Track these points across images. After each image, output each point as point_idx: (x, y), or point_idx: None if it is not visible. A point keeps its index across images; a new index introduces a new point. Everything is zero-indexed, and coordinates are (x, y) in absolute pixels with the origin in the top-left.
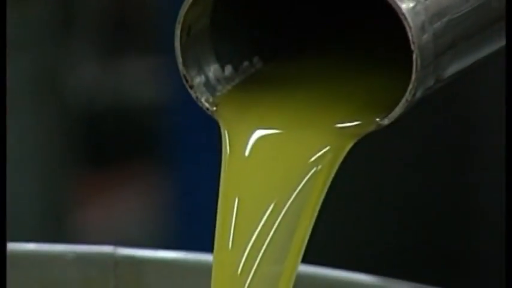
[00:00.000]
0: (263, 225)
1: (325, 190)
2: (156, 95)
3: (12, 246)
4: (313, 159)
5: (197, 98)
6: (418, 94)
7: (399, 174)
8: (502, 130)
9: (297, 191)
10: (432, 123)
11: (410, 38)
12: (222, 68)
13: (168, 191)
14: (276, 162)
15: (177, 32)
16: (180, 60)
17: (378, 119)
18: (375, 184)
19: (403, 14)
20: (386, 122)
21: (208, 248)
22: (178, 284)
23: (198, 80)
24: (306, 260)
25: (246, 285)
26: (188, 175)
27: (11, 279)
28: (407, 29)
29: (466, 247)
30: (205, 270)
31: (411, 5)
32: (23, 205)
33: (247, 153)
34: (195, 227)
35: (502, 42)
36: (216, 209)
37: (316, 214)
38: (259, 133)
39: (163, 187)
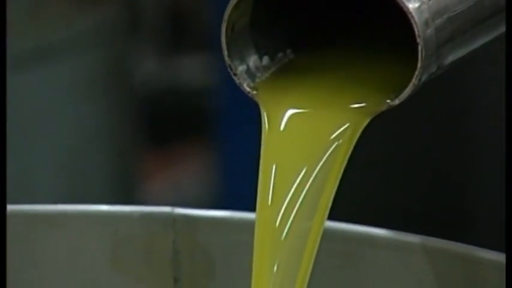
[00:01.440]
0: (296, 187)
1: (347, 159)
2: (208, 82)
3: (88, 207)
4: (336, 133)
5: (240, 83)
6: (423, 79)
7: (407, 142)
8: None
9: (324, 159)
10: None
11: (416, 32)
12: (260, 58)
13: (218, 161)
14: (306, 136)
15: (223, 30)
16: (225, 52)
17: (389, 100)
18: (387, 152)
19: (410, 13)
20: (396, 102)
21: (252, 208)
22: (226, 238)
23: (241, 68)
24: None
25: (283, 237)
26: (234, 148)
27: (87, 235)
28: (414, 25)
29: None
30: (249, 226)
31: (416, 5)
32: (100, 174)
33: (282, 128)
34: (240, 190)
35: (493, 35)
36: (258, 175)
37: (339, 178)
38: (291, 112)
39: (214, 158)
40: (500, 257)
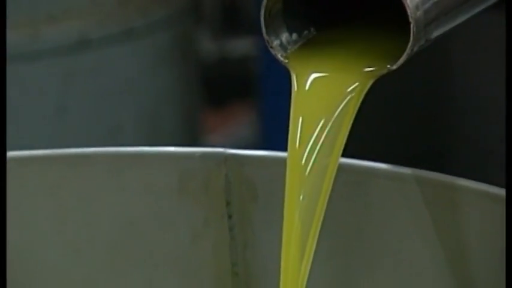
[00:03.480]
0: (317, 133)
1: (356, 110)
2: (252, 55)
3: (163, 149)
4: (348, 90)
5: (275, 54)
6: (414, 49)
7: (402, 96)
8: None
9: (339, 110)
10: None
11: (409, 14)
12: (290, 35)
13: (260, 115)
14: (326, 93)
15: (262, 14)
16: (264, 31)
17: (388, 66)
18: (387, 105)
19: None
20: (394, 67)
21: (285, 149)
22: (265, 171)
23: (276, 43)
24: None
25: (307, 170)
26: (272, 104)
27: (161, 170)
28: (407, 8)
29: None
30: (282, 162)
31: None
32: (172, 126)
33: (307, 88)
34: (277, 137)
35: (470, 15)
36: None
37: (350, 125)
38: (314, 75)
39: (257, 113)
40: (478, 185)
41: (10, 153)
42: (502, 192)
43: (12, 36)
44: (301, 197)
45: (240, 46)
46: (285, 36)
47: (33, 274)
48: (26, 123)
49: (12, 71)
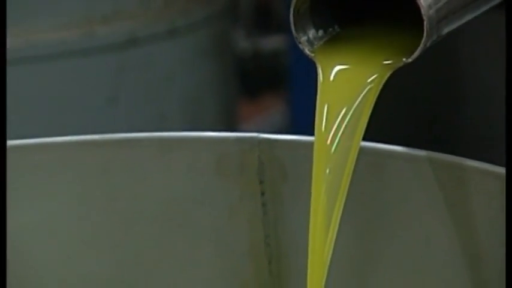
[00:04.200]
0: (341, 118)
1: (375, 99)
2: (283, 50)
3: (201, 134)
4: (368, 81)
5: (303, 49)
6: (428, 44)
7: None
8: None
9: (360, 98)
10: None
11: (422, 12)
12: (317, 31)
13: (290, 104)
14: (348, 83)
15: (291, 13)
16: (293, 28)
17: (404, 59)
18: (402, 94)
19: (419, 0)
20: (409, 60)
21: (312, 134)
22: (295, 153)
23: (303, 38)
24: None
25: (332, 150)
26: (301, 94)
27: (201, 152)
28: (421, 7)
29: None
30: (310, 145)
31: None
32: (211, 114)
33: (331, 79)
34: (305, 122)
35: (478, 13)
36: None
37: (370, 112)
38: (338, 68)
39: (288, 102)
40: (483, 165)
41: (69, 138)
42: (503, 171)
43: (70, 35)
44: (327, 172)
45: (272, 42)
46: (311, 33)
47: (90, 244)
48: (83, 112)
49: (70, 65)
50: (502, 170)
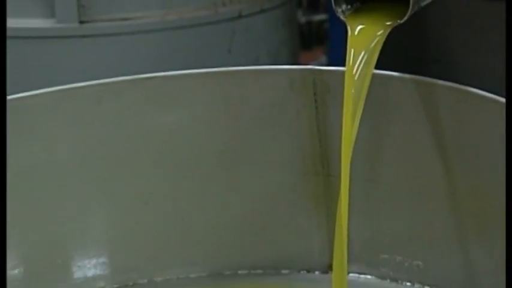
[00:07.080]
0: (361, 56)
1: (381, 45)
2: (326, 19)
3: (278, 67)
4: (377, 34)
5: (338, 16)
6: (412, 12)
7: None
8: None
9: (372, 44)
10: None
11: None
12: (347, 6)
13: (331, 52)
14: (365, 36)
15: None
16: (333, 4)
17: (398, 20)
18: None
19: None
20: (401, 21)
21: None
22: (334, 77)
23: (339, 10)
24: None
25: (356, 76)
26: (337, 44)
27: (276, 78)
28: None
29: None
30: (343, 72)
31: None
32: (284, 59)
33: (356, 33)
34: (339, 63)
35: None
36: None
37: (378, 52)
38: (360, 27)
39: (330, 51)
40: (481, 92)
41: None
42: (502, 99)
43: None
44: (352, 90)
45: (319, 17)
46: (344, 7)
47: (113, 169)
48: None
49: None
50: (499, 98)
